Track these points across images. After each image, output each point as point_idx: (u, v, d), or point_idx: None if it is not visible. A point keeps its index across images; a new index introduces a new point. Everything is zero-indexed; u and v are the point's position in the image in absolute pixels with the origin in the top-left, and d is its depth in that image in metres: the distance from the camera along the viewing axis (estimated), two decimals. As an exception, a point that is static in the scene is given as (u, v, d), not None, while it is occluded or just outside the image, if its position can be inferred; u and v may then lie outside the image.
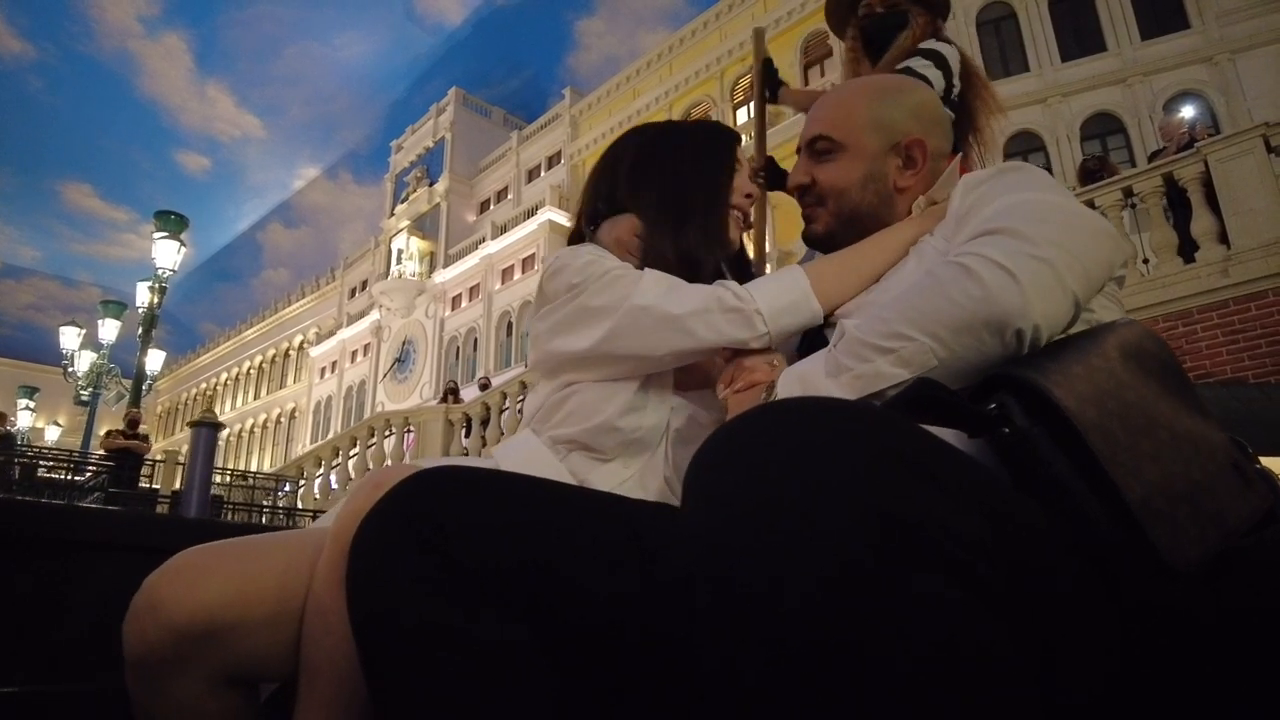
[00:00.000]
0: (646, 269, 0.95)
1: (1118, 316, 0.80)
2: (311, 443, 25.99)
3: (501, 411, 8.87)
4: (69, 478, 8.64)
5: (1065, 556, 0.57)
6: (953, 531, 0.48)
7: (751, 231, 1.15)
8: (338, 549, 0.73)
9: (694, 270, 0.98)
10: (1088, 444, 0.60)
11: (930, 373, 0.73)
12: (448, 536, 0.62)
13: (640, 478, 0.93)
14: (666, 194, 1.02)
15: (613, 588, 0.65)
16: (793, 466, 0.49)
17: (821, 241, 1.03)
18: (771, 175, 2.03)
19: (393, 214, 29.27)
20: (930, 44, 1.88)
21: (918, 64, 1.81)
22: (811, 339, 0.96)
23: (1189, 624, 0.59)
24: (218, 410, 32.66)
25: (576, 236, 1.11)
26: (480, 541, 0.63)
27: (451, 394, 11.84)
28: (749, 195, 1.06)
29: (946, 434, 0.64)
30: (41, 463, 9.98)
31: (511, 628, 0.62)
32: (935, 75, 1.80)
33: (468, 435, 9.35)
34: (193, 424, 4.34)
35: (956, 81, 1.86)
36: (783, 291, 0.91)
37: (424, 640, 0.60)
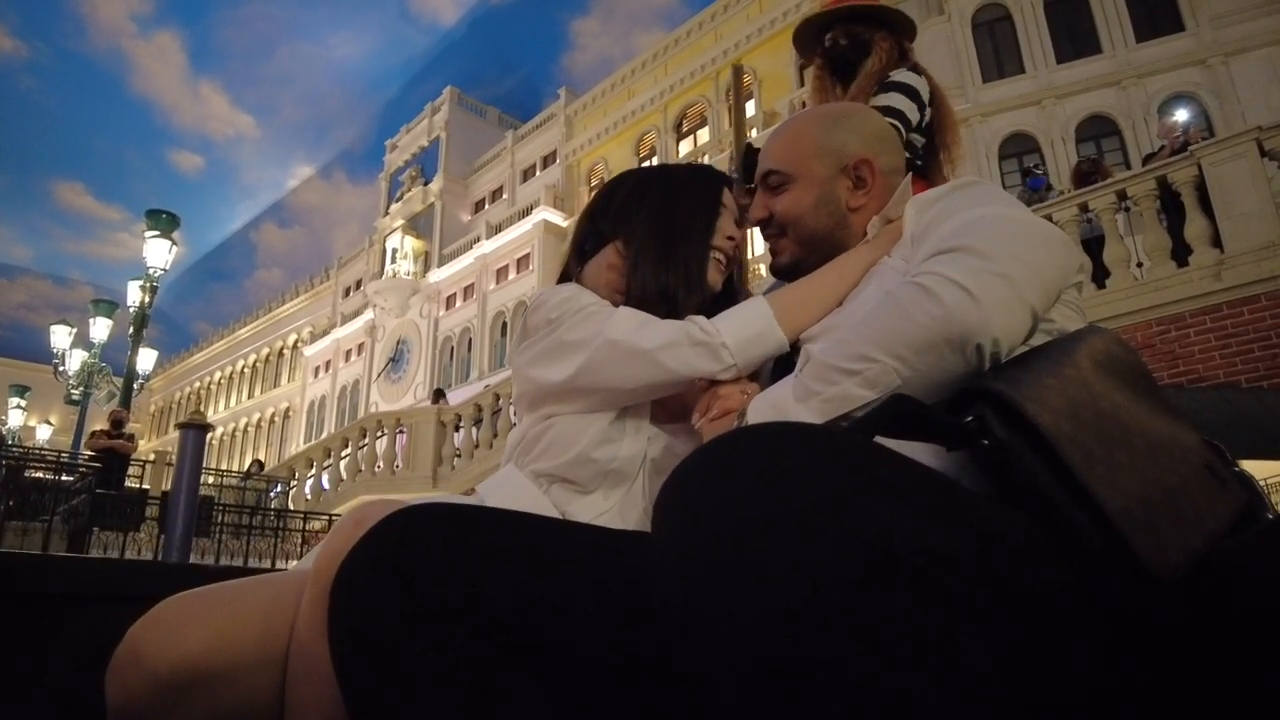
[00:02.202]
0: (621, 306, 0.99)
1: (1080, 324, 0.81)
2: (306, 442, 25.94)
3: (494, 413, 8.85)
4: (56, 478, 8.58)
5: (1052, 566, 0.57)
6: (923, 548, 0.48)
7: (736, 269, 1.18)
8: (319, 589, 0.73)
9: (671, 306, 1.01)
10: (1063, 458, 0.60)
11: (896, 392, 0.73)
12: (429, 573, 0.63)
13: (620, 509, 0.95)
14: (655, 227, 1.05)
15: (595, 616, 0.66)
16: (760, 490, 0.50)
17: (788, 271, 1.06)
18: (751, 168, 2.05)
19: (387, 213, 29.27)
20: (900, 75, 1.87)
21: (889, 99, 1.81)
22: (785, 364, 0.97)
23: (1175, 629, 0.59)
24: (211, 409, 32.63)
25: (564, 276, 1.14)
26: (462, 578, 0.63)
27: (439, 396, 11.83)
28: (731, 238, 1.08)
29: (923, 449, 0.64)
30: (29, 463, 9.91)
31: (496, 661, 0.62)
32: (909, 107, 1.81)
33: (459, 436, 9.32)
34: (181, 426, 4.32)
35: (928, 110, 1.88)
36: (748, 323, 0.94)
37: (408, 678, 0.60)
